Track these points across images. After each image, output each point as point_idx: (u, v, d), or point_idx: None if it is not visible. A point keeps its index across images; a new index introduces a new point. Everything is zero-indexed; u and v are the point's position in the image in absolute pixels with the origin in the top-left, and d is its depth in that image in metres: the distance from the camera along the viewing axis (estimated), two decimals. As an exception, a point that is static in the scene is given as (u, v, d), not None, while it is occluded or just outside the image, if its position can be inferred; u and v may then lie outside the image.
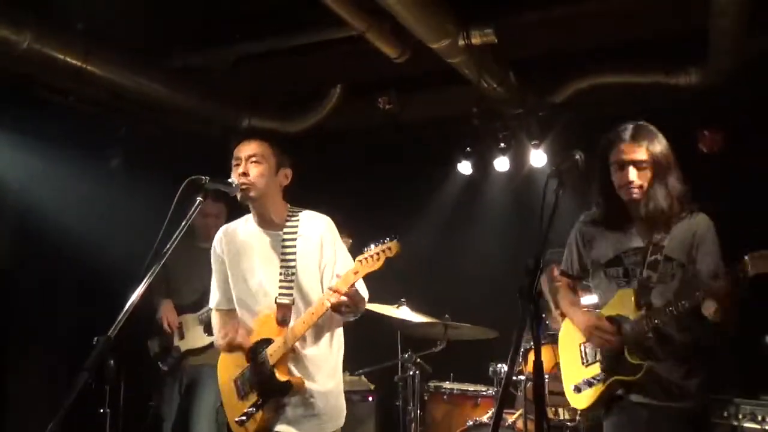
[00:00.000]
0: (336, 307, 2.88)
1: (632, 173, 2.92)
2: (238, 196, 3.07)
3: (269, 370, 3.02)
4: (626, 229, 3.04)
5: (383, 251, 2.80)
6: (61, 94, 5.10)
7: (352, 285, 2.88)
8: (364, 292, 3.10)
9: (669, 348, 2.91)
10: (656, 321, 2.86)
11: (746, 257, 2.62)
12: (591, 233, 3.16)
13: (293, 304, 3.05)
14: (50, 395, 5.42)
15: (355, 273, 2.86)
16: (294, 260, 3.07)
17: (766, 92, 4.90)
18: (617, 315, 3.00)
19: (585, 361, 3.15)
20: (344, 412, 3.17)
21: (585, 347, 3.17)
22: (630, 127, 2.97)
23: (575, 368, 3.18)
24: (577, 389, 3.14)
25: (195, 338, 4.65)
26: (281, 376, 3.00)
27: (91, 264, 5.35)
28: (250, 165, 3.06)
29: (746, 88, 4.92)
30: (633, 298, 2.96)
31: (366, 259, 2.83)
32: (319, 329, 3.09)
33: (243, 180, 3.03)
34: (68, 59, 4.50)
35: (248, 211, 3.21)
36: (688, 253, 2.92)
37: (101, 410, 4.46)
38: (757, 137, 4.92)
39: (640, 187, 2.93)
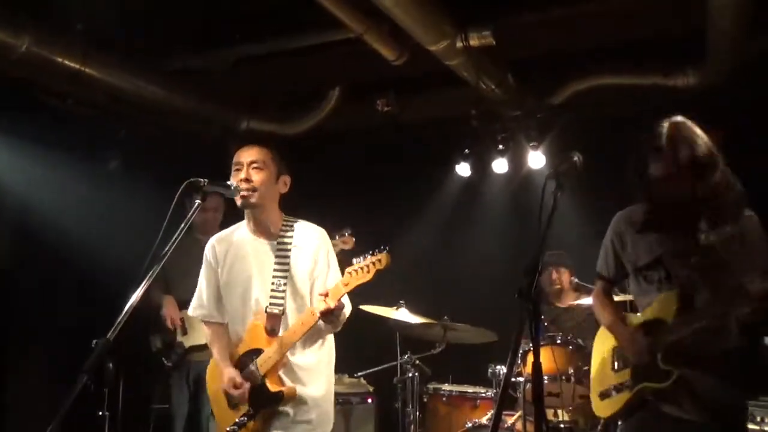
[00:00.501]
0: (324, 317, 2.89)
1: (674, 184, 2.72)
2: (239, 203, 3.07)
3: (260, 380, 3.02)
4: (668, 229, 2.84)
5: (373, 263, 2.80)
6: (59, 97, 5.10)
7: (342, 296, 2.90)
8: (347, 302, 3.10)
9: (707, 355, 2.72)
10: (696, 325, 2.69)
11: None
12: (629, 233, 2.95)
13: (283, 314, 3.04)
14: (50, 396, 5.40)
15: (345, 285, 2.87)
16: (287, 270, 3.06)
17: (765, 93, 4.91)
18: (654, 319, 2.84)
19: (615, 366, 2.99)
20: (332, 419, 3.17)
21: (618, 351, 3.01)
22: (665, 133, 2.75)
23: (605, 374, 3.03)
24: (604, 395, 2.99)
25: (198, 335, 4.64)
26: (273, 387, 3.00)
27: (91, 265, 5.35)
28: (252, 171, 3.06)
29: (745, 88, 4.92)
30: (675, 301, 2.78)
31: (356, 270, 2.83)
32: (309, 337, 3.08)
33: (245, 186, 3.02)
34: (66, 62, 4.50)
35: (241, 212, 3.21)
36: (733, 253, 2.71)
37: (100, 413, 4.45)
38: (756, 138, 4.93)
39: (688, 185, 2.70)
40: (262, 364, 3.01)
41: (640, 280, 2.93)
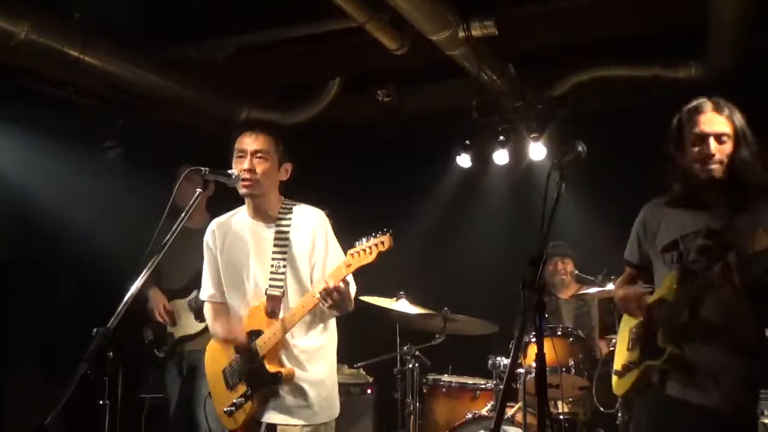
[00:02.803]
0: (325, 300, 2.86)
1: (713, 146, 2.72)
2: (241, 192, 3.05)
3: (259, 361, 3.01)
4: (692, 211, 2.82)
5: (376, 245, 2.77)
6: (58, 86, 5.07)
7: (343, 278, 2.86)
8: (352, 288, 3.07)
9: (705, 334, 2.69)
10: (690, 302, 2.69)
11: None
12: (656, 218, 2.95)
13: (283, 296, 3.04)
14: (49, 385, 5.42)
15: (347, 266, 2.84)
16: (286, 252, 3.06)
17: (766, 86, 4.89)
18: (658, 299, 2.84)
19: (629, 345, 3.00)
20: (338, 403, 3.16)
21: (633, 331, 3.02)
22: (708, 100, 2.81)
23: (622, 353, 3.05)
24: (620, 374, 3.01)
25: (187, 325, 4.64)
26: (271, 368, 2.99)
27: (90, 254, 5.33)
28: (256, 161, 3.03)
29: (747, 81, 4.89)
30: (675, 280, 2.78)
31: (358, 252, 2.80)
32: (310, 320, 3.08)
33: (247, 176, 3.00)
34: (65, 49, 4.47)
35: (236, 196, 3.17)
36: (741, 237, 2.63)
37: (100, 402, 4.45)
38: (757, 131, 4.90)
39: (720, 162, 2.73)
40: (261, 345, 3.00)
41: (660, 265, 2.92)
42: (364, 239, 2.81)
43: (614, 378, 3.06)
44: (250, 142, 3.06)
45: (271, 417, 3.04)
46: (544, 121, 5.59)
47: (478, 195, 6.22)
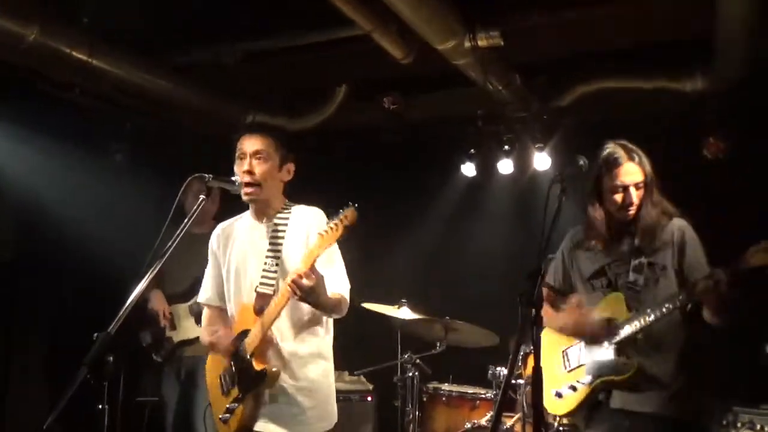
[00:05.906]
0: (294, 292, 2.74)
1: (634, 195, 3.00)
2: (244, 199, 3.04)
3: (247, 360, 2.93)
4: (610, 243, 3.11)
5: (341, 220, 2.72)
6: (66, 89, 5.10)
7: (314, 261, 2.76)
8: (345, 284, 3.01)
9: (659, 347, 2.94)
10: (646, 321, 2.89)
11: (750, 249, 2.69)
12: (578, 251, 3.22)
13: (274, 294, 2.94)
14: (51, 388, 5.43)
15: (319, 247, 2.76)
16: (280, 250, 3.01)
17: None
18: (606, 318, 3.01)
19: (568, 366, 3.14)
20: (334, 415, 3.08)
21: (568, 352, 3.17)
22: (620, 149, 3.03)
23: (557, 374, 3.16)
24: (559, 395, 3.11)
25: (187, 329, 4.64)
26: (257, 365, 2.90)
27: (93, 258, 5.35)
28: (255, 162, 3.00)
29: (753, 93, 4.89)
30: (624, 301, 3.00)
31: (326, 231, 2.74)
32: (301, 325, 3.02)
33: (248, 179, 2.98)
34: (74, 53, 4.50)
35: (245, 207, 3.18)
36: (670, 257, 2.98)
37: (99, 406, 4.45)
38: (763, 143, 4.91)
39: (638, 207, 3.02)
40: (248, 344, 2.94)
41: (588, 289, 3.16)
42: (332, 218, 2.76)
43: (551, 399, 3.12)
44: (249, 143, 3.03)
45: (260, 425, 2.96)
46: (548, 131, 5.59)
47: (481, 204, 6.21)
